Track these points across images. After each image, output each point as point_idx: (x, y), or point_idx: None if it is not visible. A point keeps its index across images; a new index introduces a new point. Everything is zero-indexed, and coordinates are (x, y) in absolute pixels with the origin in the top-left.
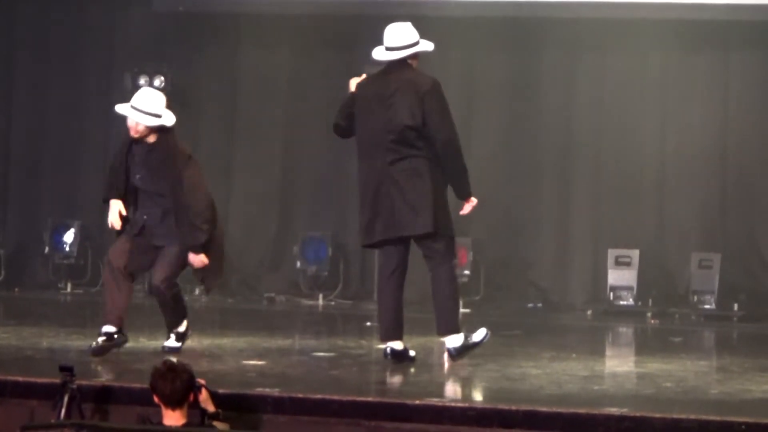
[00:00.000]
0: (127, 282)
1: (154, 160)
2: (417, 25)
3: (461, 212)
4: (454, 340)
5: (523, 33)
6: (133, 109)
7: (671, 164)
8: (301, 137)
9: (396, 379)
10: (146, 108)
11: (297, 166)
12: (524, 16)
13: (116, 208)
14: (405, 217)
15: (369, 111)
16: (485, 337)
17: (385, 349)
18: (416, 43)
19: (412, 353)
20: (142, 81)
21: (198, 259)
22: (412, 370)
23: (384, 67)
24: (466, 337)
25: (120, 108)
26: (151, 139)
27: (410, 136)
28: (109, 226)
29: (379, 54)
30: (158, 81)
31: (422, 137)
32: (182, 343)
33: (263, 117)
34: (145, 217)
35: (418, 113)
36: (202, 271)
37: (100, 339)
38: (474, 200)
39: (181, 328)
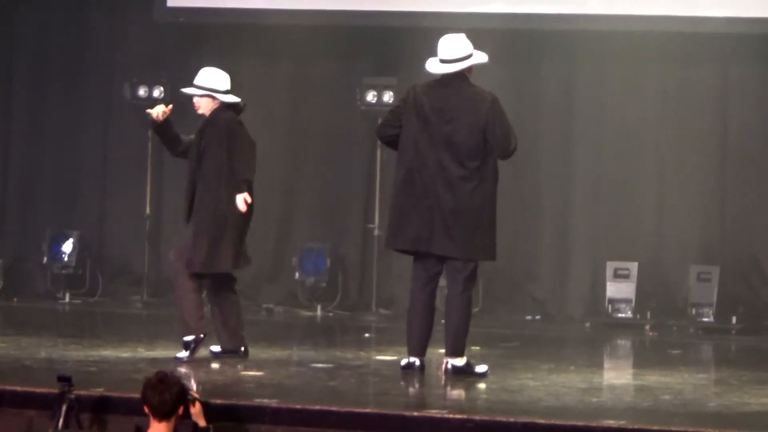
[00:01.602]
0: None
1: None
2: (416, 38)
3: None
4: (458, 361)
5: (522, 45)
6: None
7: (670, 177)
8: (301, 149)
9: (394, 391)
10: (202, 83)
11: (296, 178)
12: (523, 29)
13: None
14: (441, 235)
15: (425, 122)
16: (485, 372)
17: (407, 362)
18: (470, 55)
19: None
20: (141, 91)
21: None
22: (411, 382)
23: (440, 79)
24: (469, 363)
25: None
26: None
27: (467, 155)
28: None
29: (433, 66)
30: (158, 91)
31: (479, 157)
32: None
33: (262, 128)
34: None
35: (478, 132)
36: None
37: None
38: None
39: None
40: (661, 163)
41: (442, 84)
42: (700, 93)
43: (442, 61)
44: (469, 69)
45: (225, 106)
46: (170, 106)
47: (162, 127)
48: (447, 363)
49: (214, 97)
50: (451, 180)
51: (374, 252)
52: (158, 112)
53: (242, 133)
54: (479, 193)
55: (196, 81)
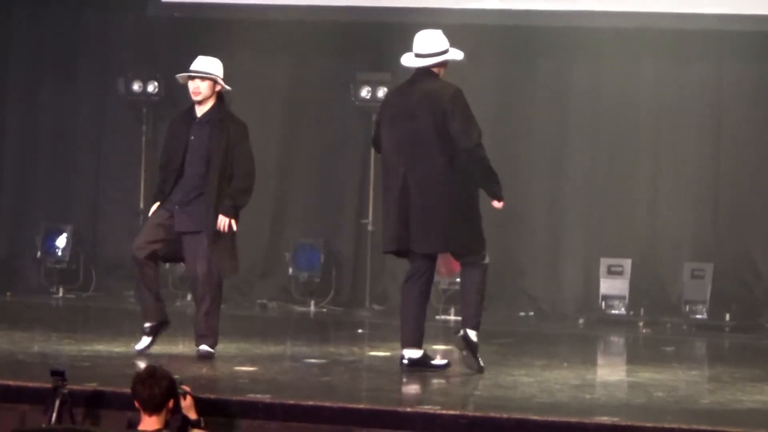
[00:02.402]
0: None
1: (221, 132)
2: (410, 33)
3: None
4: (414, 353)
5: (516, 42)
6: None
7: (664, 174)
8: (295, 144)
9: (388, 387)
10: (212, 70)
11: (290, 173)
12: (517, 25)
13: None
14: (417, 232)
15: (393, 121)
16: (443, 365)
17: (401, 356)
18: (445, 51)
19: (437, 362)
20: (136, 86)
21: (226, 224)
22: (404, 377)
23: (411, 77)
24: (427, 355)
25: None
26: (208, 105)
27: (436, 151)
28: None
29: (407, 60)
30: (152, 86)
31: (446, 149)
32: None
33: (256, 123)
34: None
35: (442, 127)
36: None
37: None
38: (500, 204)
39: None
40: (655, 160)
41: (411, 82)
42: (695, 90)
43: (417, 55)
44: (443, 65)
45: (221, 99)
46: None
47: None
48: (405, 358)
49: (216, 81)
50: (420, 177)
51: (368, 248)
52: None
53: (248, 142)
54: (450, 187)
55: (196, 66)
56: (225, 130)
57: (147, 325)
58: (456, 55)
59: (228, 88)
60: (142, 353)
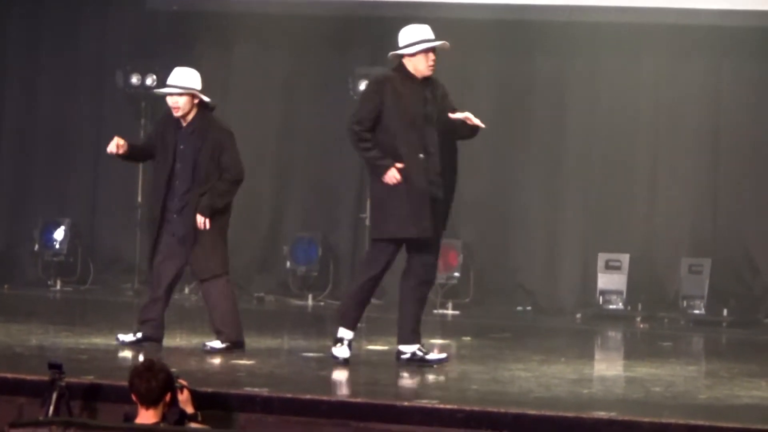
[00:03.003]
0: None
1: (203, 141)
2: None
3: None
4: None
5: (516, 36)
6: (172, 87)
7: (662, 168)
8: (293, 138)
9: (385, 381)
10: (186, 83)
11: (288, 167)
12: (516, 19)
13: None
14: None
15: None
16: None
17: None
18: (405, 46)
19: (430, 356)
20: (134, 79)
21: (201, 222)
22: (402, 372)
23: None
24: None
25: (162, 89)
26: (191, 115)
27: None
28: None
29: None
30: (150, 79)
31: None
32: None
33: (255, 117)
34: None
35: None
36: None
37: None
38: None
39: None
40: (654, 155)
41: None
42: (694, 85)
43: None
44: (402, 57)
45: (204, 106)
46: (123, 142)
47: (126, 155)
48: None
49: (194, 96)
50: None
51: (365, 241)
52: (112, 149)
53: (234, 149)
54: (373, 177)
55: (173, 81)
56: (209, 139)
57: (140, 334)
58: (406, 50)
59: (207, 99)
60: (122, 343)
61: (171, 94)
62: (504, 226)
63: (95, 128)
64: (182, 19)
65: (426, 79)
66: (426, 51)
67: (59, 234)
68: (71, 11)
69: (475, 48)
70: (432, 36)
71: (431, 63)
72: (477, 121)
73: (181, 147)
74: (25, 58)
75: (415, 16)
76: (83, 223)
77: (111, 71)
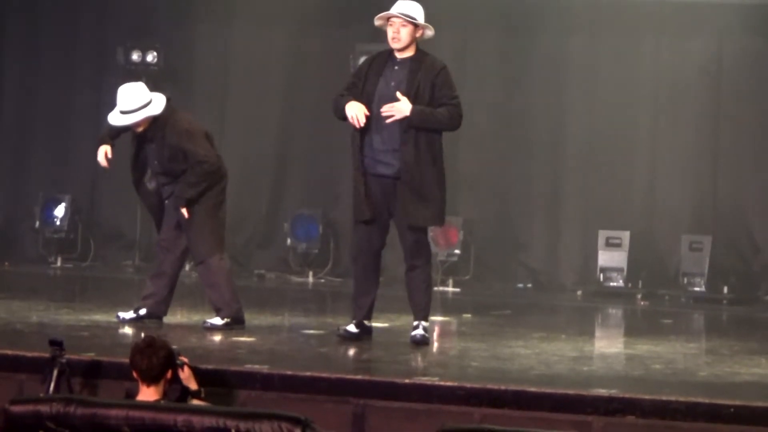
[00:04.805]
0: None
1: (161, 148)
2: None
3: None
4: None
5: (516, 14)
6: (124, 114)
7: (662, 146)
8: (293, 115)
9: (385, 358)
10: (135, 105)
11: (288, 144)
12: None
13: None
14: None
15: None
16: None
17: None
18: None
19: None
20: (135, 56)
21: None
22: (402, 349)
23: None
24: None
25: (115, 119)
26: (148, 128)
27: None
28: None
29: None
30: (151, 56)
31: None
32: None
33: (255, 94)
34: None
35: None
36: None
37: None
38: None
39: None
40: (654, 133)
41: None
42: (695, 63)
43: None
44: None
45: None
46: (108, 147)
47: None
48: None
49: (147, 115)
50: None
51: None
52: (103, 162)
53: (194, 143)
54: None
55: (125, 106)
56: (165, 146)
57: (144, 311)
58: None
59: (156, 113)
60: (122, 321)
61: (128, 124)
62: (504, 203)
63: (96, 105)
64: None
65: (412, 59)
66: (383, 24)
67: (60, 211)
68: None
69: (475, 26)
70: (395, 10)
71: (393, 35)
72: (389, 113)
73: (146, 154)
74: (26, 35)
75: None
76: (84, 199)
77: (112, 48)
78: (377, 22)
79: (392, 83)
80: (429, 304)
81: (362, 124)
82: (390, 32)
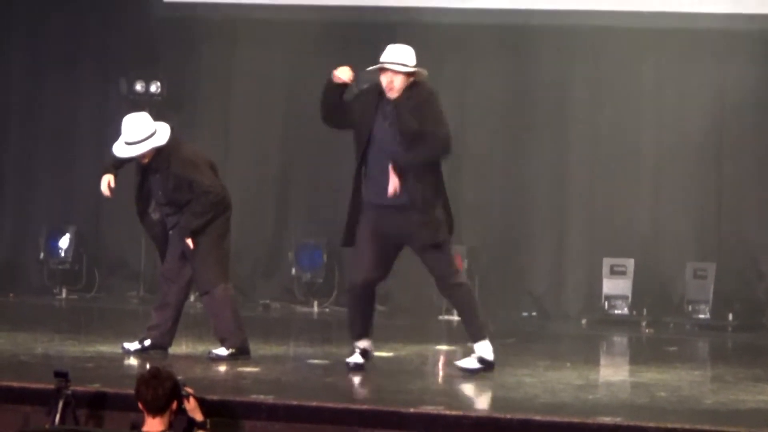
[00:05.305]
0: None
1: (166, 178)
2: (412, 33)
3: None
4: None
5: (519, 41)
6: (129, 146)
7: (666, 173)
8: (296, 144)
9: (391, 387)
10: (140, 136)
11: (292, 173)
12: (520, 24)
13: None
14: None
15: None
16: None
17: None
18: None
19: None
20: (138, 86)
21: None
22: (407, 378)
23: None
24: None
25: (120, 151)
26: (153, 159)
27: None
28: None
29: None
30: (154, 86)
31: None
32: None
33: (258, 123)
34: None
35: None
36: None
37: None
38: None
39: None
40: (658, 160)
41: None
42: (697, 89)
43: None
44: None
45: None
46: (111, 177)
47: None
48: None
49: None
50: None
51: None
52: (106, 191)
53: (198, 173)
54: None
55: (130, 138)
56: (170, 177)
57: (149, 342)
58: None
59: (161, 144)
60: (127, 352)
61: (134, 156)
62: (509, 231)
63: (100, 135)
64: (185, 26)
65: (403, 95)
66: (379, 72)
67: (64, 242)
68: (75, 18)
69: (477, 52)
70: (386, 58)
71: (387, 85)
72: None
73: (151, 185)
74: (29, 65)
75: (418, 21)
76: (88, 230)
77: (115, 78)
78: (372, 68)
79: (386, 123)
80: (474, 323)
81: (353, 76)
82: (384, 81)
